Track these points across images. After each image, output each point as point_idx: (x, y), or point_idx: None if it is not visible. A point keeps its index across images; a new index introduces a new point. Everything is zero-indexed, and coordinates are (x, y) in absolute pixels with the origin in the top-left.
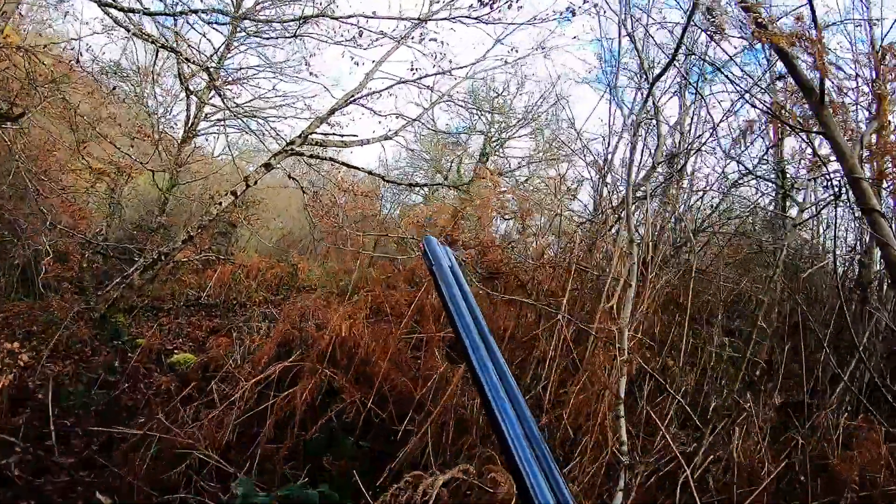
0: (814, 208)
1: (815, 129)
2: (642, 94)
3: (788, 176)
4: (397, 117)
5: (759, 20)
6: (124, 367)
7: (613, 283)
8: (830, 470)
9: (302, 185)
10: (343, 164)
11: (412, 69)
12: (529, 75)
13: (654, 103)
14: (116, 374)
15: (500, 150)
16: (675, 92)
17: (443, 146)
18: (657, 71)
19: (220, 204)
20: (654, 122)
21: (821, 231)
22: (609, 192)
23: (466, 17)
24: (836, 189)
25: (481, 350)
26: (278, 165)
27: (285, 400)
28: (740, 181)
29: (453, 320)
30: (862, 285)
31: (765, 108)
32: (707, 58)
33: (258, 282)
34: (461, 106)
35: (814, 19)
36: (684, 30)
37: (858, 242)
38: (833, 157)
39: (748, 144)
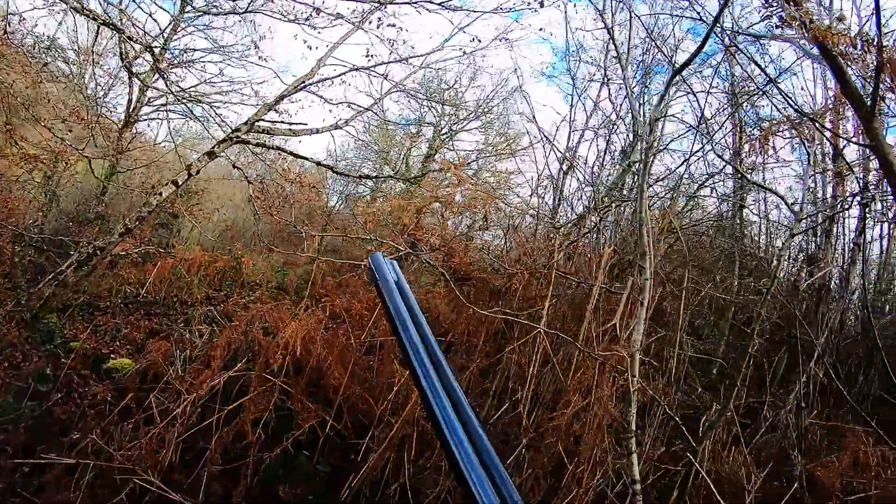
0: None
1: (863, 143)
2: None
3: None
4: (349, 106)
5: (809, 21)
6: (57, 375)
7: (596, 292)
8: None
9: (247, 176)
10: (291, 153)
11: (368, 56)
12: (486, 68)
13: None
14: (48, 383)
15: (450, 143)
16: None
17: (391, 138)
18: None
19: (161, 194)
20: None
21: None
22: (577, 190)
23: (429, 1)
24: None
25: (426, 363)
26: (222, 154)
27: (232, 416)
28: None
29: (398, 334)
30: (820, 288)
31: (800, 113)
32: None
33: (200, 277)
34: (414, 97)
35: (878, 23)
36: (715, 20)
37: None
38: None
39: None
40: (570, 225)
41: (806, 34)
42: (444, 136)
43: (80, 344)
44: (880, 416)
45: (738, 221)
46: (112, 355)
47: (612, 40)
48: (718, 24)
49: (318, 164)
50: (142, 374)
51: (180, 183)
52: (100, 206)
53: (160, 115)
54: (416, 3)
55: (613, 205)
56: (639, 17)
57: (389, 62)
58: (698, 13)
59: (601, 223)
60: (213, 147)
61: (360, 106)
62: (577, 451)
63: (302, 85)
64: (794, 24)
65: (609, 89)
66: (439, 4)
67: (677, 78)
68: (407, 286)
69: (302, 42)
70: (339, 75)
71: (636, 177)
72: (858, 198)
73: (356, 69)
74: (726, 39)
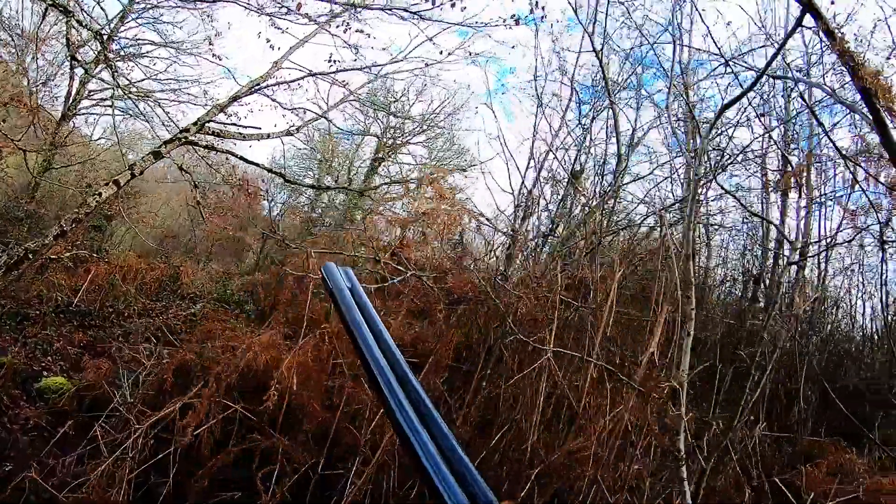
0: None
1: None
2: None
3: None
4: (302, 112)
5: (856, 65)
6: None
7: (608, 317)
8: None
9: (193, 180)
10: (242, 158)
11: (330, 61)
12: (443, 80)
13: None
14: None
15: (394, 155)
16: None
17: (334, 148)
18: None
19: (100, 195)
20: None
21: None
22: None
23: (404, 10)
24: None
25: (386, 371)
26: (168, 155)
27: (190, 447)
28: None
29: (357, 343)
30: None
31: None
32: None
33: (136, 286)
34: (368, 106)
35: None
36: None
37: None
38: None
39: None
40: (564, 247)
41: (851, 75)
42: (389, 149)
43: (9, 359)
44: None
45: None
46: (45, 372)
47: (600, 66)
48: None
49: (270, 170)
50: (78, 396)
51: (122, 183)
52: (30, 203)
53: (101, 110)
54: (389, 10)
55: (621, 231)
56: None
57: (353, 69)
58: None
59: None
60: (160, 146)
61: (315, 112)
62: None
63: (257, 87)
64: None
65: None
66: (414, 13)
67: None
68: (364, 295)
69: (264, 41)
70: (297, 79)
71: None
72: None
73: (316, 74)
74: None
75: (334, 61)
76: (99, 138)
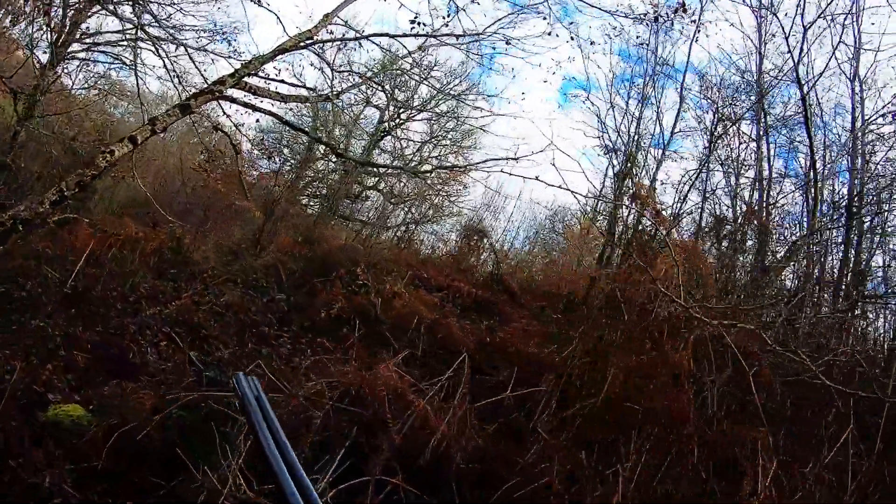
0: None
1: None
2: None
3: None
4: (349, 74)
5: None
6: None
7: None
8: None
9: (234, 142)
10: (287, 123)
11: (415, 23)
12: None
13: None
14: None
15: (397, 131)
16: None
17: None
18: None
19: (112, 153)
20: None
21: None
22: None
23: None
24: None
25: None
26: (198, 110)
27: None
28: None
29: (261, 446)
30: None
31: None
32: None
33: (138, 258)
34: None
35: None
36: None
37: None
38: None
39: None
40: None
41: None
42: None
43: (15, 374)
44: None
45: None
46: (50, 394)
47: None
48: None
49: (319, 140)
50: (107, 434)
51: (140, 141)
52: (8, 154)
53: (108, 51)
54: None
55: None
56: None
57: (430, 35)
58: None
59: None
60: (189, 99)
61: (358, 75)
62: None
63: (308, 41)
64: None
65: None
66: None
67: None
68: (266, 402)
69: None
70: (358, 38)
71: None
72: None
73: (381, 36)
74: None
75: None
76: (78, 89)
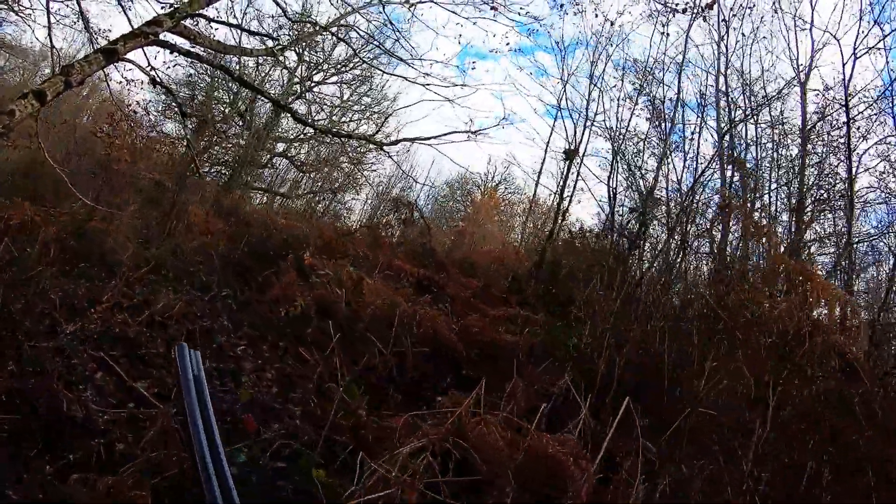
0: None
1: None
2: None
3: None
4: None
5: None
6: None
7: None
8: None
9: (180, 104)
10: (241, 81)
11: None
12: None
13: None
14: None
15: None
16: None
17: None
18: None
19: (14, 114)
20: None
21: None
22: None
23: None
24: None
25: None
26: (124, 56)
27: None
28: None
29: (189, 419)
30: None
31: None
32: None
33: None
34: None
35: None
36: None
37: None
38: None
39: None
40: None
41: None
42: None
43: None
44: None
45: None
46: None
47: None
48: None
49: (277, 103)
50: None
51: (49, 98)
52: None
53: None
54: None
55: None
56: None
57: None
58: None
59: None
60: (115, 42)
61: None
62: None
63: None
64: None
65: None
66: None
67: None
68: (203, 377)
69: None
70: None
71: None
72: None
73: None
74: None
75: None
76: None
